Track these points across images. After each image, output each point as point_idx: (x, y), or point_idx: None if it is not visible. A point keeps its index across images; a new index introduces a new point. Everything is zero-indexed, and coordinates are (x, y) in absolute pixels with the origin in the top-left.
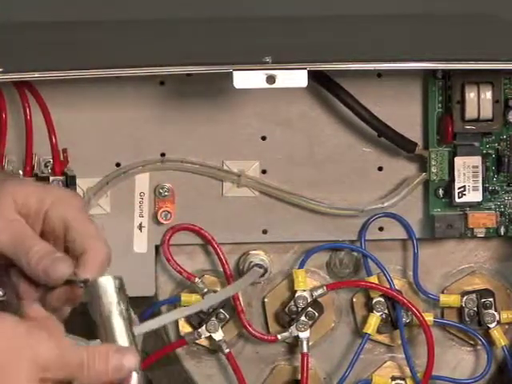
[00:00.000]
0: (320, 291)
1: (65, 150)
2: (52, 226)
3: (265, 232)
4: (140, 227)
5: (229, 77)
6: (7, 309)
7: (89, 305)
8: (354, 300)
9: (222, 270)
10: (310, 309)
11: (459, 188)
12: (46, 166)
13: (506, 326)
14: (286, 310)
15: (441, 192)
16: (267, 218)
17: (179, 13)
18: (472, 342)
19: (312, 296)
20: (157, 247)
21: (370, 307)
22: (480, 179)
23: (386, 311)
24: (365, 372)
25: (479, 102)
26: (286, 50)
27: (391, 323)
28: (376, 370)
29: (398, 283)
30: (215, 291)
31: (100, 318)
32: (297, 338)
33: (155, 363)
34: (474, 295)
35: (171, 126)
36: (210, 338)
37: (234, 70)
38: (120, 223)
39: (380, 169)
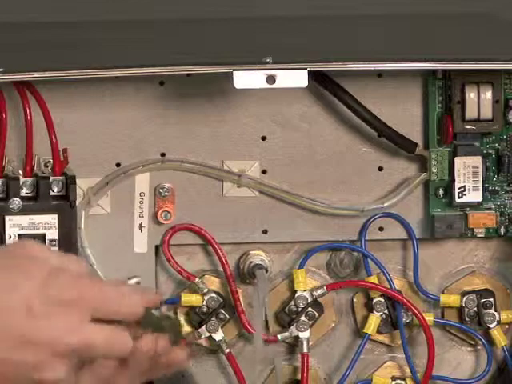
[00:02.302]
0: (320, 291)
1: (65, 150)
2: None
3: (265, 232)
4: (140, 227)
5: (229, 77)
6: None
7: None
8: (354, 300)
9: (222, 269)
10: (310, 309)
11: (459, 188)
12: (46, 165)
13: (506, 326)
14: (286, 310)
15: (441, 192)
16: (267, 218)
17: (179, 13)
18: (472, 342)
19: (312, 296)
20: (157, 247)
21: (369, 307)
22: (480, 179)
23: (386, 311)
24: (365, 372)
25: (479, 101)
26: (286, 50)
27: (391, 323)
28: (376, 370)
29: (398, 283)
30: (216, 292)
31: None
32: (297, 337)
33: None
34: (474, 295)
35: (171, 126)
36: (210, 338)
37: (234, 70)
38: (120, 223)
39: (380, 169)
